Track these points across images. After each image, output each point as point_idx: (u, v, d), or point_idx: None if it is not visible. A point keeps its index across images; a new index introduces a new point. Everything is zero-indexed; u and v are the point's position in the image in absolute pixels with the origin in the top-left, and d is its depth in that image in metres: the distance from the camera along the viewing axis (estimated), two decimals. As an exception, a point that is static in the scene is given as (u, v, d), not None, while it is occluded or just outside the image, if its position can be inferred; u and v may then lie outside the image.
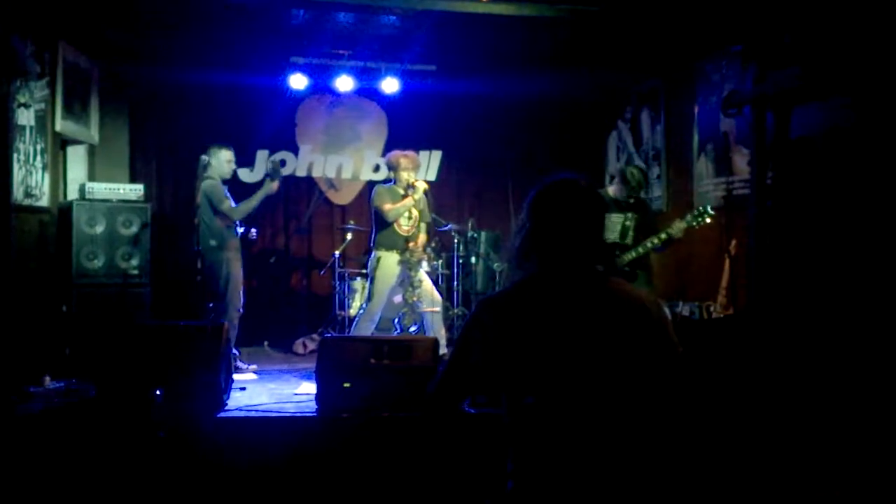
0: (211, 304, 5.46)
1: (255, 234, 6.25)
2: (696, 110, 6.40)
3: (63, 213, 5.97)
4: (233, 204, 5.74)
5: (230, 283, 5.69)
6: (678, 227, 5.02)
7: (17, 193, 5.23)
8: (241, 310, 5.86)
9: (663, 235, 5.04)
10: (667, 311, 1.97)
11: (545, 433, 1.81)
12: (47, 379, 4.80)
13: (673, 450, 1.84)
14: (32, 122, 5.48)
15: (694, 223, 5.01)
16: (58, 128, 5.90)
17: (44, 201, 5.69)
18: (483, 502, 1.98)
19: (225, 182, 5.83)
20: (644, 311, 1.86)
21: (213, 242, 5.64)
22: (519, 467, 1.85)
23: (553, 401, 1.80)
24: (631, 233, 5.23)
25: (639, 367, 1.82)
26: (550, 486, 1.79)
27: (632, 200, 5.26)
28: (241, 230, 5.91)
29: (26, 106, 5.37)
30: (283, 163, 8.16)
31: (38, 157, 5.59)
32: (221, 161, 5.80)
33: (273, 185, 5.85)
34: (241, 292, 5.84)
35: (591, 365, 1.80)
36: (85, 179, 6.50)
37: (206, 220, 5.59)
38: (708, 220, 5.03)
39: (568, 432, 1.79)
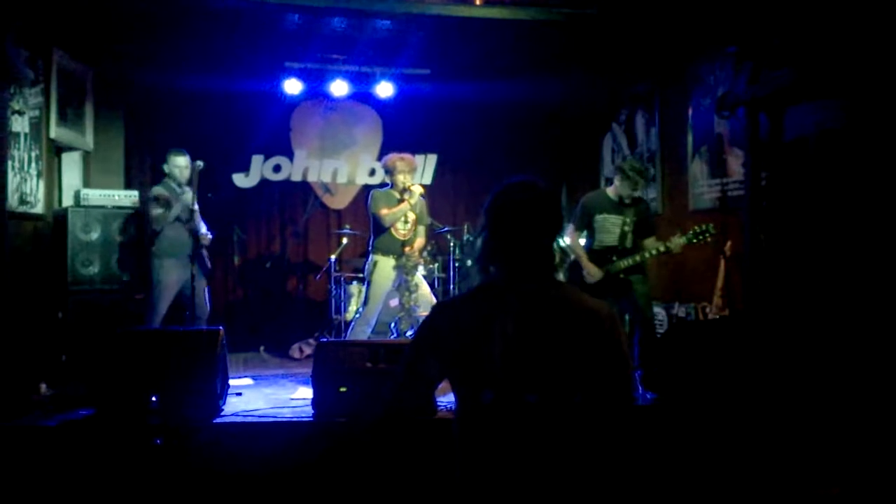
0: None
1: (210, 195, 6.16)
2: (690, 112, 6.42)
3: (58, 219, 5.96)
4: (158, 210, 5.56)
5: (160, 290, 5.54)
6: (677, 242, 5.02)
7: (12, 200, 5.22)
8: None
9: (662, 248, 5.05)
10: (622, 325, 1.94)
11: (489, 439, 1.81)
12: (44, 386, 4.79)
13: (620, 461, 1.82)
14: (27, 129, 5.47)
15: (695, 240, 5.02)
16: (52, 134, 5.89)
17: (39, 208, 5.68)
18: None
19: (181, 186, 5.66)
20: (596, 322, 1.83)
21: (152, 248, 5.58)
22: (463, 474, 1.86)
23: (498, 407, 1.80)
24: (630, 236, 5.23)
25: (585, 377, 1.80)
26: (491, 494, 1.79)
27: (636, 194, 5.25)
28: (204, 232, 5.71)
29: (20, 113, 5.37)
30: (277, 168, 8.18)
31: (33, 164, 5.59)
32: (171, 166, 5.68)
33: (184, 197, 5.59)
34: (165, 300, 5.57)
35: (536, 373, 1.79)
36: (80, 186, 6.49)
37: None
38: (709, 240, 5.04)
39: (512, 439, 1.79)
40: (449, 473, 1.90)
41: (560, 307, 1.84)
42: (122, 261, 6.02)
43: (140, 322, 5.61)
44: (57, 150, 6.20)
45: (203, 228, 5.71)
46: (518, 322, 1.81)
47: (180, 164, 5.67)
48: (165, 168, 5.72)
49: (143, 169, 7.54)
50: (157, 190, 5.64)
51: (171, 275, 5.54)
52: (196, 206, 5.57)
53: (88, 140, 6.67)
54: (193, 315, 5.54)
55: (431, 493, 3.67)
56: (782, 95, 4.94)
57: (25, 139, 5.46)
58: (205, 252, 5.73)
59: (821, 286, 4.60)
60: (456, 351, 1.84)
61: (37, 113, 5.63)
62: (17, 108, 5.30)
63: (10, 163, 5.16)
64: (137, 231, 6.05)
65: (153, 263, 5.55)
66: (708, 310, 5.74)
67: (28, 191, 5.51)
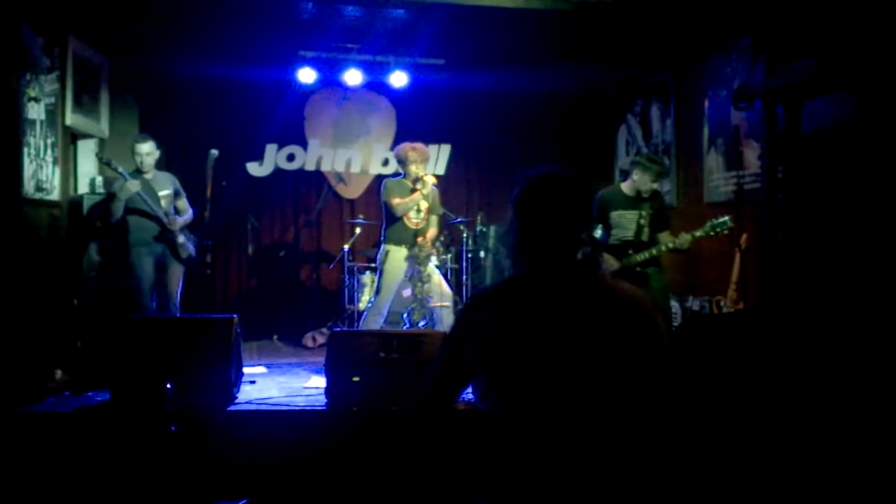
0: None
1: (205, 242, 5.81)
2: (706, 104, 6.36)
3: (73, 206, 5.99)
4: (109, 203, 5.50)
5: (135, 279, 5.52)
6: (684, 238, 5.00)
7: (28, 187, 5.26)
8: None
9: (671, 245, 5.04)
10: (660, 313, 1.91)
11: (530, 429, 1.79)
12: (59, 373, 4.82)
13: (662, 449, 1.81)
14: (43, 117, 5.50)
15: (712, 233, 4.99)
16: (68, 122, 5.92)
17: (54, 195, 5.72)
18: (475, 503, 1.97)
19: (140, 172, 5.55)
20: (636, 311, 1.82)
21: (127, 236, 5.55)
22: (504, 462, 1.84)
23: (538, 396, 1.79)
24: (646, 230, 5.22)
25: (625, 366, 1.78)
26: (534, 482, 1.78)
27: (655, 186, 5.23)
28: (173, 217, 5.63)
29: (36, 100, 5.39)
30: (291, 157, 8.18)
31: (49, 151, 5.61)
32: (133, 153, 5.58)
33: (128, 185, 5.41)
34: (145, 293, 5.52)
35: (576, 362, 1.78)
36: (95, 173, 6.52)
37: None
38: (726, 232, 5.00)
39: (552, 428, 1.77)
40: (466, 466, 1.90)
41: (599, 297, 1.83)
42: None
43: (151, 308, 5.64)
44: (72, 137, 6.23)
45: (185, 214, 5.71)
46: (558, 312, 1.80)
47: (141, 151, 5.56)
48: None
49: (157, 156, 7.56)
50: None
51: (147, 262, 5.52)
52: (170, 191, 5.64)
53: (104, 127, 6.69)
54: (160, 303, 5.52)
55: (439, 486, 3.69)
56: (800, 88, 4.89)
57: (41, 126, 5.48)
58: (182, 237, 5.65)
59: (837, 280, 4.56)
60: (493, 343, 1.82)
61: (52, 100, 5.66)
62: (33, 95, 5.32)
63: (26, 150, 5.19)
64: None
65: (131, 252, 5.54)
66: (723, 303, 5.71)
67: (44, 178, 5.54)
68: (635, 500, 1.77)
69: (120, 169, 5.43)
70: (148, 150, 5.58)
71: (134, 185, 5.43)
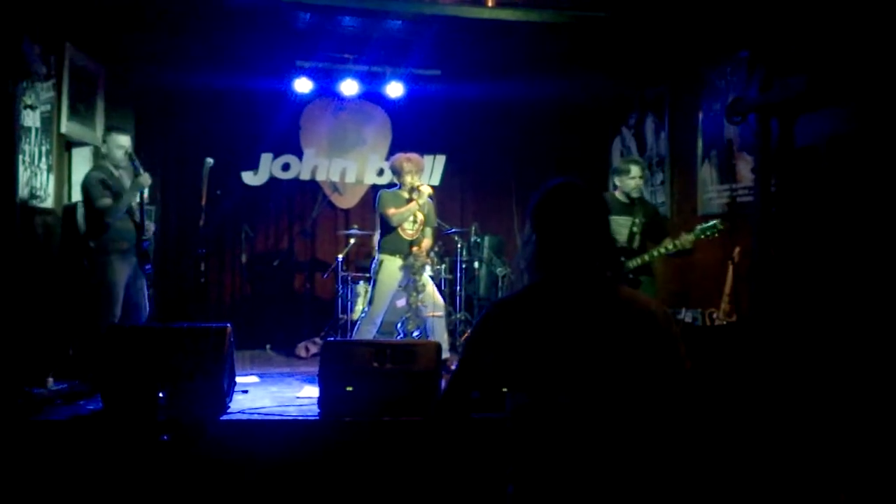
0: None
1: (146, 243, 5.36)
2: (700, 117, 6.40)
3: (67, 214, 5.98)
4: (107, 200, 5.11)
5: (112, 292, 5.07)
6: (685, 238, 5.01)
7: (23, 194, 5.24)
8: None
9: (671, 247, 5.03)
10: (676, 323, 1.93)
11: (547, 437, 1.81)
12: (50, 380, 4.80)
13: (676, 460, 1.83)
14: (38, 124, 5.49)
15: (702, 236, 5.00)
16: (63, 129, 5.91)
17: (48, 202, 5.70)
18: None
19: (118, 168, 5.25)
20: (652, 321, 1.84)
21: (91, 244, 5.11)
22: (520, 471, 1.85)
23: (556, 405, 1.80)
24: (638, 237, 5.23)
25: (643, 376, 1.80)
26: (550, 491, 1.79)
27: (639, 182, 5.23)
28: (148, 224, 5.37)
29: (32, 107, 5.39)
30: (286, 166, 8.19)
31: (44, 159, 5.60)
32: (112, 145, 5.24)
33: (142, 179, 5.15)
34: (118, 302, 5.10)
35: (594, 371, 1.80)
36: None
37: (83, 218, 5.14)
38: (716, 235, 5.01)
39: (569, 437, 1.79)
40: (479, 475, 1.90)
41: (616, 306, 1.85)
42: None
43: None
44: (67, 145, 6.22)
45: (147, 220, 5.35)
46: (577, 321, 1.82)
47: (123, 144, 5.22)
48: (104, 149, 5.31)
49: (153, 165, 7.56)
50: (97, 175, 5.15)
51: (121, 273, 5.09)
52: (145, 194, 5.26)
53: (99, 135, 6.67)
54: (130, 317, 5.10)
55: (434, 496, 3.68)
56: (795, 102, 4.92)
57: (37, 134, 5.48)
58: (147, 247, 5.30)
59: (830, 294, 4.58)
60: (513, 350, 1.84)
61: (48, 108, 5.65)
62: (29, 102, 5.32)
63: (21, 157, 5.18)
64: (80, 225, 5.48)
65: (98, 261, 5.07)
66: (715, 316, 5.73)
67: (38, 185, 5.53)
68: None
69: (136, 162, 5.20)
70: (127, 144, 5.27)
71: (146, 180, 5.14)
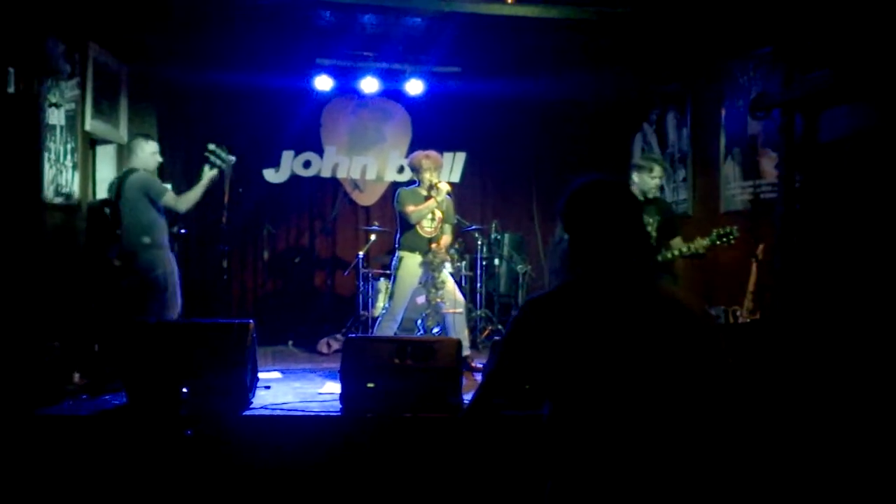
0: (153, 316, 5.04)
1: (184, 231, 5.75)
2: (722, 113, 6.35)
3: (93, 211, 6.03)
4: (174, 195, 5.35)
5: (169, 283, 5.29)
6: (700, 244, 4.94)
7: (48, 192, 5.31)
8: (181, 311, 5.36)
9: (684, 250, 4.97)
10: (717, 322, 1.91)
11: (587, 435, 1.79)
12: (77, 376, 4.86)
13: (718, 459, 1.80)
14: (63, 122, 5.56)
15: (718, 242, 4.92)
16: (87, 127, 5.98)
17: (73, 200, 5.77)
18: None
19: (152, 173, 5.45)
20: (693, 319, 1.82)
21: (146, 240, 5.23)
22: (559, 468, 1.84)
23: (595, 403, 1.78)
24: (653, 234, 5.19)
25: (684, 373, 1.78)
26: (590, 488, 1.77)
27: (658, 183, 5.18)
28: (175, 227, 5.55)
29: (57, 106, 5.45)
30: (307, 164, 8.23)
31: (69, 156, 5.67)
32: (147, 153, 5.43)
33: (212, 173, 5.34)
34: (180, 294, 5.38)
35: (634, 369, 1.77)
36: (113, 179, 6.57)
37: (138, 215, 5.24)
38: (732, 242, 4.94)
39: (609, 435, 1.77)
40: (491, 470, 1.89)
41: (657, 305, 1.83)
42: None
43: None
44: (92, 142, 6.28)
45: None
46: (616, 319, 1.80)
47: (156, 150, 5.46)
48: (135, 161, 5.40)
49: (175, 162, 7.62)
50: (146, 175, 5.36)
51: (173, 264, 5.33)
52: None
53: (123, 133, 6.75)
54: (168, 311, 5.25)
55: (454, 493, 3.68)
56: (819, 97, 4.87)
57: (61, 132, 5.54)
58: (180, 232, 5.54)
59: (854, 291, 4.53)
60: (552, 348, 1.82)
61: (73, 106, 5.72)
62: (53, 100, 5.38)
63: (46, 154, 5.24)
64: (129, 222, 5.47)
65: (154, 255, 5.26)
66: (739, 313, 5.68)
67: (63, 182, 5.59)
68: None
69: (221, 152, 5.34)
70: (157, 150, 5.50)
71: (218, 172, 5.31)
